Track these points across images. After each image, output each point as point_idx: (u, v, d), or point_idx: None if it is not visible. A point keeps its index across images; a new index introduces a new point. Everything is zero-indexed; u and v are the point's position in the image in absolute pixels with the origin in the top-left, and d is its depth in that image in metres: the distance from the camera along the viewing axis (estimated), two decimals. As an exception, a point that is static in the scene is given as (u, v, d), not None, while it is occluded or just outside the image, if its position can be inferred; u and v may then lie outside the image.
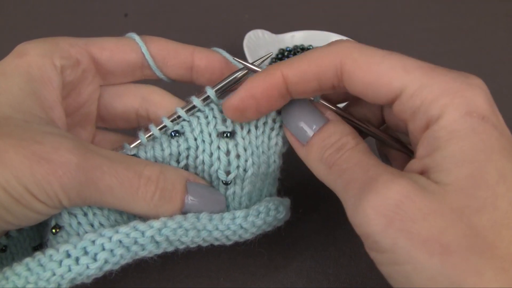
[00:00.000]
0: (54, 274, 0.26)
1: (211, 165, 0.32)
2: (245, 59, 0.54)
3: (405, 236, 0.23)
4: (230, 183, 0.32)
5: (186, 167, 0.33)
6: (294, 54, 0.59)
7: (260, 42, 0.58)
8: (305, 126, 0.31)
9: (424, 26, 0.69)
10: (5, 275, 0.26)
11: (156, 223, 0.29)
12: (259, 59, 0.34)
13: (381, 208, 0.24)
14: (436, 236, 0.23)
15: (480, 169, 0.24)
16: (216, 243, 0.33)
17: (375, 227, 0.24)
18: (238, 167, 0.32)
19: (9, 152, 0.25)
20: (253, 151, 0.32)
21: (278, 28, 0.61)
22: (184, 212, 0.30)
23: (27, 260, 0.27)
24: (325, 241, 0.41)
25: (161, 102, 0.35)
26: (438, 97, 0.25)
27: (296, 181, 0.38)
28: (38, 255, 0.27)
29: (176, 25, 0.69)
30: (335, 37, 0.60)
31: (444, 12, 0.72)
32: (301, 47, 0.60)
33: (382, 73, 0.26)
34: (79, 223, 0.29)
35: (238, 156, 0.32)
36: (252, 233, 0.33)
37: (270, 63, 0.57)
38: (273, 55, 0.59)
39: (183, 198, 0.30)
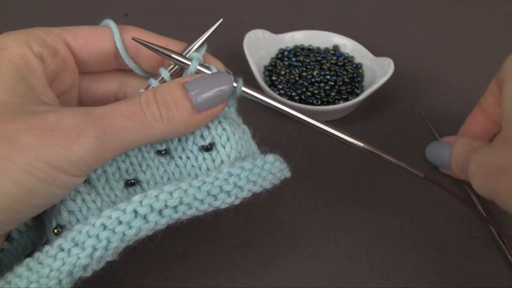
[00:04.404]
0: (52, 270, 0.26)
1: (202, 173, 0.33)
2: (245, 59, 0.54)
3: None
4: None
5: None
6: (294, 54, 0.59)
7: (260, 42, 0.58)
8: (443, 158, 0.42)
9: (424, 26, 0.69)
10: (7, 279, 0.26)
11: (136, 197, 0.28)
12: (196, 42, 0.35)
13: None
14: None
15: None
16: (210, 209, 0.31)
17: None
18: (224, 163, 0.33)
19: (21, 136, 0.25)
20: (236, 155, 0.33)
21: (278, 28, 0.61)
22: (199, 109, 0.30)
23: (27, 260, 0.27)
24: (325, 241, 0.41)
25: (139, 85, 0.36)
26: None
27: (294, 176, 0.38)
28: (37, 253, 0.27)
29: (176, 25, 0.69)
30: (335, 37, 0.60)
31: (444, 12, 0.72)
32: (301, 47, 0.60)
33: None
34: (77, 219, 0.29)
35: (222, 162, 0.32)
36: (253, 182, 0.32)
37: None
38: (273, 55, 0.59)
39: (188, 98, 0.30)
